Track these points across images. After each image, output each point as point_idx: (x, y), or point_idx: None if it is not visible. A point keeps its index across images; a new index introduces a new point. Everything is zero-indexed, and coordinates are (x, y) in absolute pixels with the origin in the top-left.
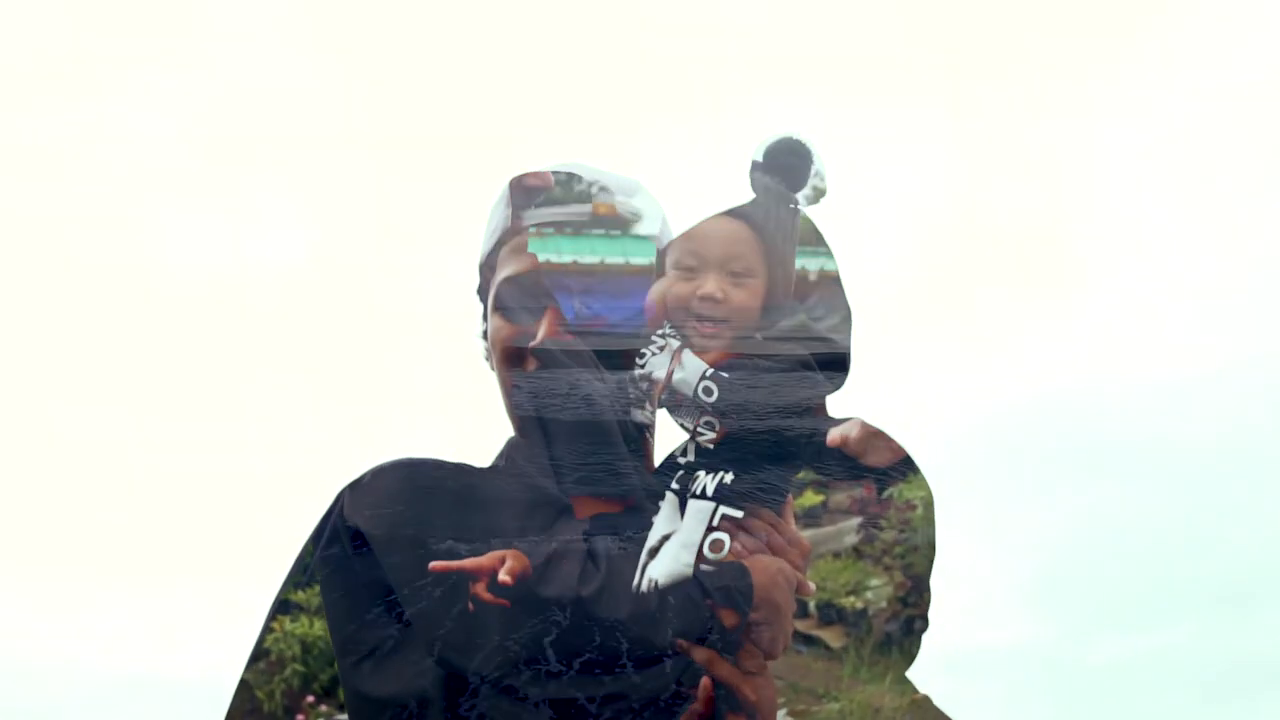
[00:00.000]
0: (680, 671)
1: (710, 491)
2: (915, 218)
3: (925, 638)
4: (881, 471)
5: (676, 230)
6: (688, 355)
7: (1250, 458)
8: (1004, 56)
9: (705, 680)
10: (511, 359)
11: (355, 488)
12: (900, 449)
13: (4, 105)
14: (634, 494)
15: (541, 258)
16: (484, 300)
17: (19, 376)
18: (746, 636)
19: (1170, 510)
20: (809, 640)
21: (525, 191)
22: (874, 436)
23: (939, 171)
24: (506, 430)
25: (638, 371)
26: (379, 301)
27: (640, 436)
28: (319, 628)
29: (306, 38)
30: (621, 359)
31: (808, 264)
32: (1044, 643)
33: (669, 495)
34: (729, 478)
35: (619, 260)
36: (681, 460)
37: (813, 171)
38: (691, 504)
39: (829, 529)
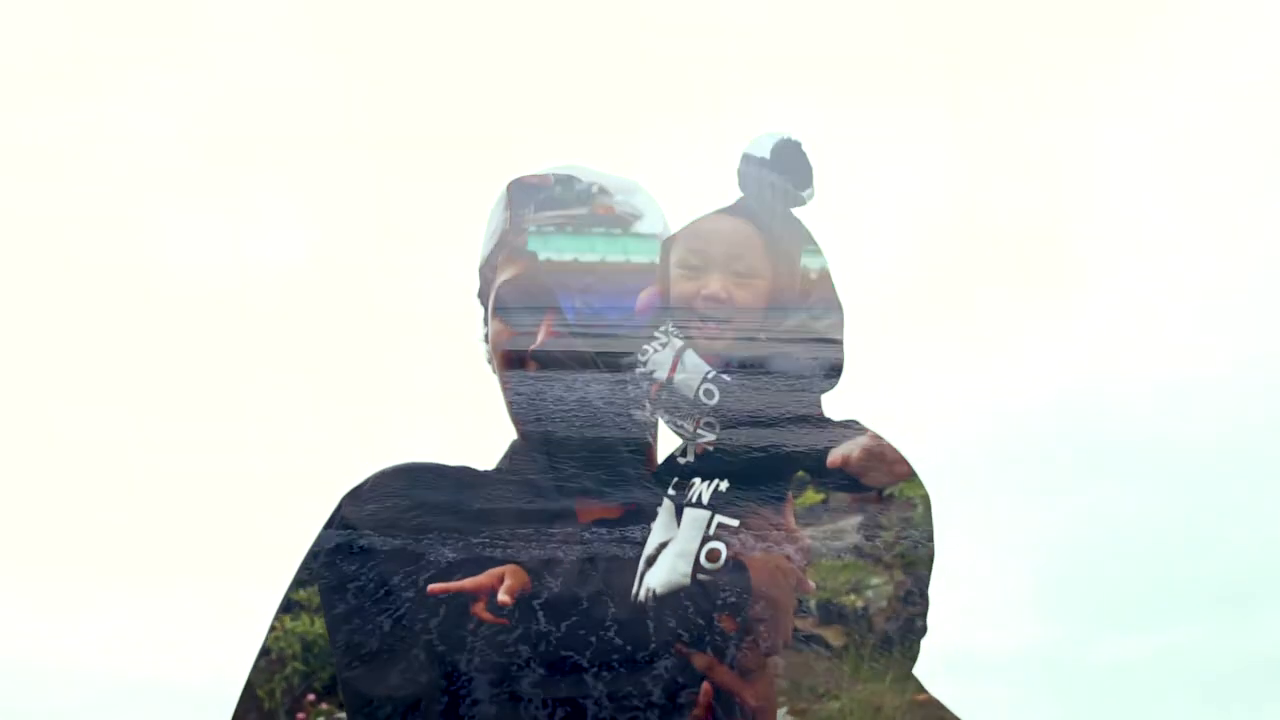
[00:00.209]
0: (679, 676)
1: (706, 500)
2: (915, 218)
3: (928, 638)
4: (879, 492)
5: (677, 229)
6: (690, 356)
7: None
8: (1004, 56)
9: (706, 685)
10: (512, 362)
11: (356, 492)
12: (900, 471)
13: (3, 105)
14: (635, 498)
15: (541, 258)
16: (484, 303)
17: (19, 376)
18: (745, 634)
19: (1172, 511)
20: (809, 639)
21: (524, 193)
22: (875, 458)
23: (939, 171)
24: (509, 433)
25: (639, 370)
26: (380, 302)
27: (642, 438)
28: (320, 626)
29: (306, 38)
30: (622, 358)
31: (809, 263)
32: (1047, 643)
33: (665, 502)
34: (724, 485)
35: (619, 259)
36: (681, 461)
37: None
38: (687, 512)
39: (829, 527)
